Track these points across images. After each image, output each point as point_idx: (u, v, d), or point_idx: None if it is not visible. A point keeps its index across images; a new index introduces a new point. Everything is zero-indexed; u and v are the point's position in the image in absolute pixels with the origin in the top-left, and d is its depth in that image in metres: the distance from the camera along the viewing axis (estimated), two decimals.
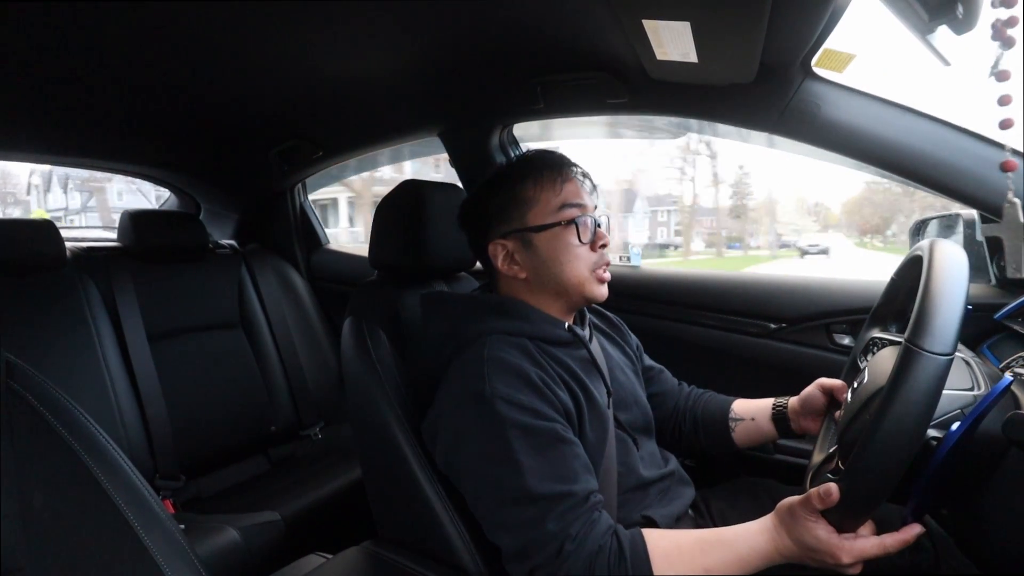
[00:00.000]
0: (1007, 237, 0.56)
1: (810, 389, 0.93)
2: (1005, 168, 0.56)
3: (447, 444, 0.82)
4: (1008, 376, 0.63)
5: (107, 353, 1.48)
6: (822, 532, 0.65)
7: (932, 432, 0.63)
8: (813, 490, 0.65)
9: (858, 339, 0.93)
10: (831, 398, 0.91)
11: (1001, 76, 0.53)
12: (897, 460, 0.58)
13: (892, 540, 0.64)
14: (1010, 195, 0.56)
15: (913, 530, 0.65)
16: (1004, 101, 0.54)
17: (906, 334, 0.60)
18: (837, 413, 0.86)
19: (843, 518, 0.64)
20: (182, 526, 1.18)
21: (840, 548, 0.64)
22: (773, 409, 0.99)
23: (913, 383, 0.57)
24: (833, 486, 0.63)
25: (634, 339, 1.12)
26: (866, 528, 0.66)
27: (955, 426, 0.62)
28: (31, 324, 1.39)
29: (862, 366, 0.81)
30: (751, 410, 1.02)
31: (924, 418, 0.57)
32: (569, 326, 0.89)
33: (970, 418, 0.61)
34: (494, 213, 0.90)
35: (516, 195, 0.88)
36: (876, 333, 0.89)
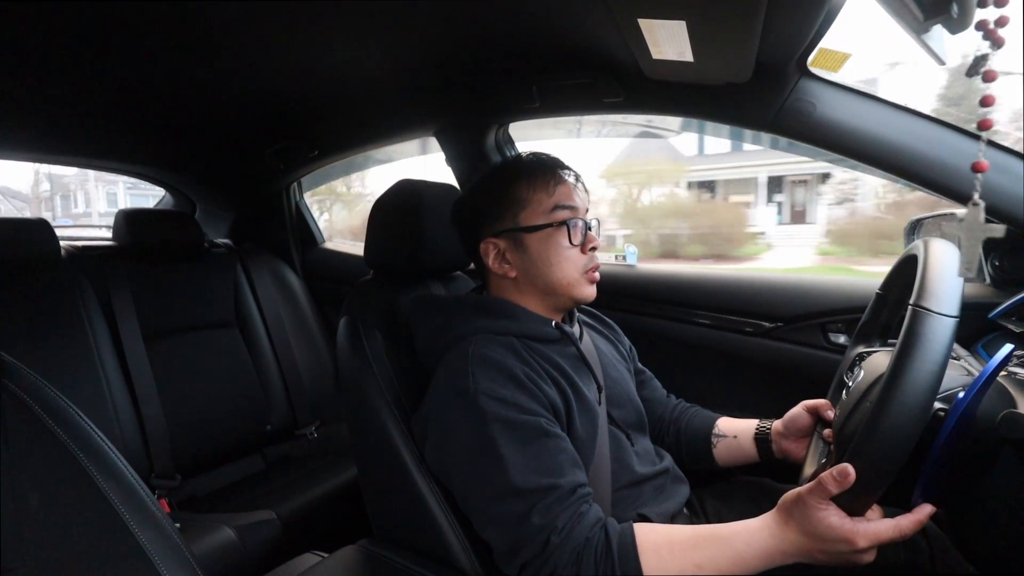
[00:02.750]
0: (964, 237, 0.56)
1: (795, 410, 0.93)
2: (976, 169, 0.56)
3: (435, 442, 0.82)
4: (1009, 345, 0.62)
5: (102, 352, 1.47)
6: (834, 518, 0.62)
7: (938, 404, 0.63)
8: (825, 473, 0.62)
9: (844, 358, 0.93)
10: (817, 417, 0.91)
11: (988, 77, 0.53)
12: (911, 423, 0.57)
13: (907, 521, 0.62)
14: (975, 196, 0.56)
15: (925, 510, 0.63)
16: (987, 102, 0.54)
17: (911, 300, 0.61)
18: (826, 432, 0.85)
19: (854, 500, 0.62)
20: (178, 525, 1.18)
21: (855, 532, 0.61)
22: (756, 430, 0.99)
23: (923, 342, 0.57)
24: (848, 466, 0.60)
25: (627, 341, 1.13)
26: (874, 513, 0.64)
27: (961, 395, 0.61)
28: (26, 323, 1.38)
29: (848, 382, 0.81)
30: (735, 428, 1.02)
31: (936, 377, 0.57)
32: (557, 324, 0.90)
33: (975, 385, 0.60)
34: (487, 212, 0.90)
35: (509, 195, 0.89)
36: (862, 349, 0.89)
